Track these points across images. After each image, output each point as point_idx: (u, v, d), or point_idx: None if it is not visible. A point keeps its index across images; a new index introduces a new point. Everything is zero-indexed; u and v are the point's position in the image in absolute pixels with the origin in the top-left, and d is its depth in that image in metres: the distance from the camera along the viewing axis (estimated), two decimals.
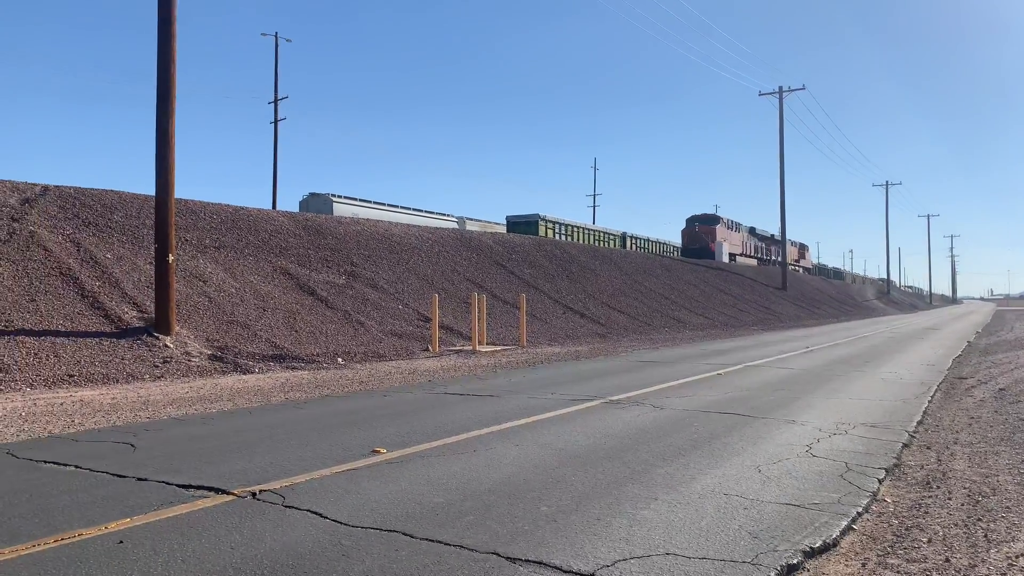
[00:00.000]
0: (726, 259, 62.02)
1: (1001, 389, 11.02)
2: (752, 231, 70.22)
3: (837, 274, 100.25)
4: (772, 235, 74.49)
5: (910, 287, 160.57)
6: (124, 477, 5.62)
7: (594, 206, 78.53)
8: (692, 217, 61.45)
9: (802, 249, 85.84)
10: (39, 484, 5.45)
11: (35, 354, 12.08)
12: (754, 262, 67.42)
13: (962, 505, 5.04)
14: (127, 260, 16.76)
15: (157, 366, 12.84)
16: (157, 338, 13.95)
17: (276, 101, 42.44)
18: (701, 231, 59.29)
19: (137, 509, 4.75)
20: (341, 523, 4.46)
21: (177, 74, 14.59)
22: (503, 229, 42.88)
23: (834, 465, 6.05)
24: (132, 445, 6.86)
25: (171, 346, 13.80)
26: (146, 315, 14.73)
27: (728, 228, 62.49)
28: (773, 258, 73.10)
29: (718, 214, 61.87)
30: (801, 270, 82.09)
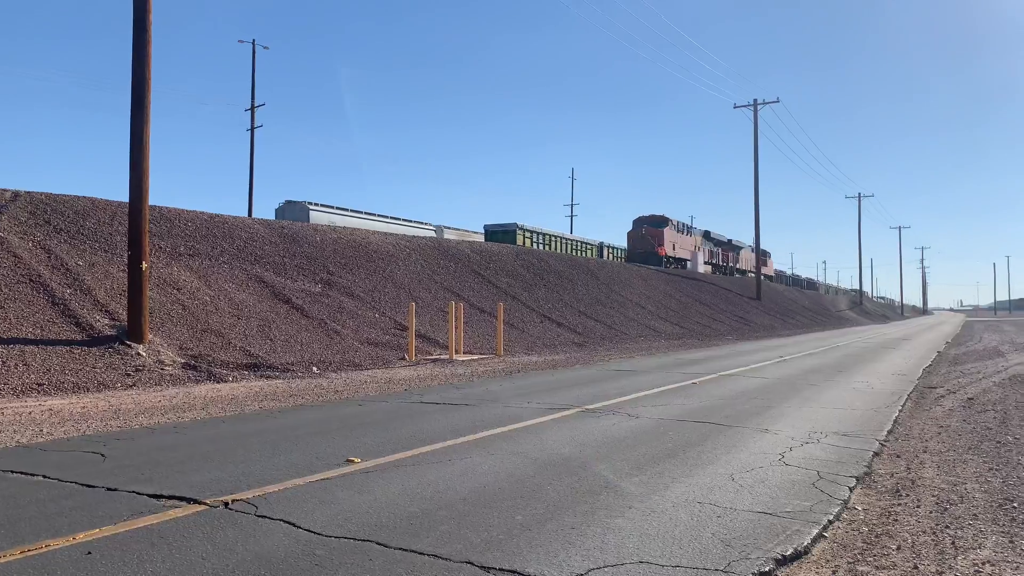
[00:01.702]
0: (702, 269, 61.76)
1: (969, 399, 11.21)
2: (707, 235, 66.34)
3: (810, 284, 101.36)
4: (729, 240, 71.44)
5: (882, 298, 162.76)
6: (93, 487, 5.54)
7: (571, 216, 78.82)
8: (639, 218, 55.99)
9: (763, 256, 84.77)
10: (5, 494, 5.36)
11: (3, 362, 11.88)
12: (708, 268, 63.45)
13: (931, 513, 5.12)
14: (99, 267, 16.55)
15: (129, 375, 12.67)
16: (129, 346, 13.77)
17: (253, 108, 42.23)
18: (648, 234, 54.24)
19: (106, 519, 4.69)
20: (314, 533, 4.43)
21: (152, 80, 14.47)
22: (481, 238, 42.89)
23: (806, 473, 6.11)
24: (102, 455, 6.76)
25: (144, 354, 13.64)
26: (118, 323, 14.55)
27: (678, 231, 57.79)
28: (730, 264, 69.94)
29: (667, 215, 56.01)
30: (762, 277, 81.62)
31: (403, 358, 17.82)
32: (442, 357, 18.60)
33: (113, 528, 4.51)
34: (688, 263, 58.57)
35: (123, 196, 15.52)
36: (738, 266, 72.15)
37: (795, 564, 4.10)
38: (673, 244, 55.65)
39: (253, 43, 41.79)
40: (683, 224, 59.53)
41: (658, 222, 55.04)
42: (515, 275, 32.69)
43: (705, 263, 63.15)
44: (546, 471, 6.10)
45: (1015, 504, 5.27)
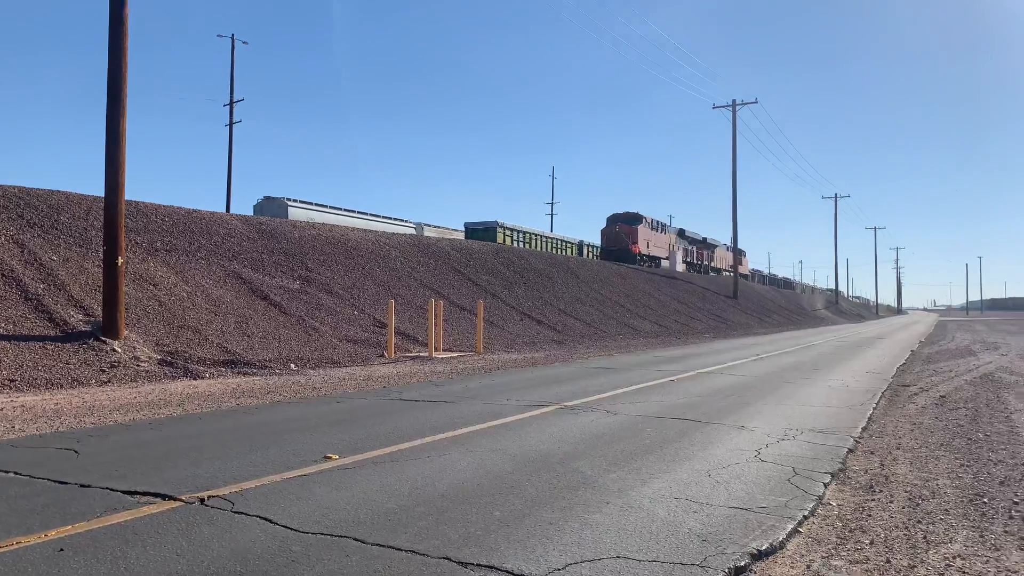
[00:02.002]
0: (680, 268, 62.01)
1: (942, 396, 11.37)
2: (681, 233, 65.32)
3: (787, 284, 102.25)
4: (704, 238, 70.58)
5: (857, 297, 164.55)
6: (66, 484, 5.47)
7: (552, 214, 79.01)
8: (613, 216, 54.66)
9: (738, 254, 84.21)
10: None
11: None
12: (683, 267, 62.72)
13: (903, 508, 5.19)
14: (74, 262, 16.34)
15: (104, 371, 12.53)
16: (105, 342, 13.61)
17: (232, 103, 41.86)
18: (622, 231, 52.97)
19: (79, 516, 4.63)
20: (291, 529, 4.41)
21: (129, 73, 14.30)
22: (461, 236, 42.84)
23: (782, 470, 6.17)
24: (75, 451, 6.68)
25: (119, 351, 13.48)
26: (93, 319, 14.37)
27: (652, 229, 56.37)
28: (705, 263, 69.13)
29: (641, 213, 54.59)
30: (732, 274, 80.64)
31: (382, 355, 17.76)
32: (422, 354, 18.57)
33: (86, 525, 4.46)
34: (663, 261, 57.68)
35: (99, 190, 15.33)
36: (713, 264, 71.76)
37: (770, 559, 4.14)
38: (647, 242, 54.68)
39: (232, 38, 41.44)
40: (657, 222, 58.23)
41: (632, 219, 53.84)
42: (495, 273, 32.69)
43: (680, 261, 62.38)
44: (525, 467, 6.11)
45: (985, 499, 5.35)
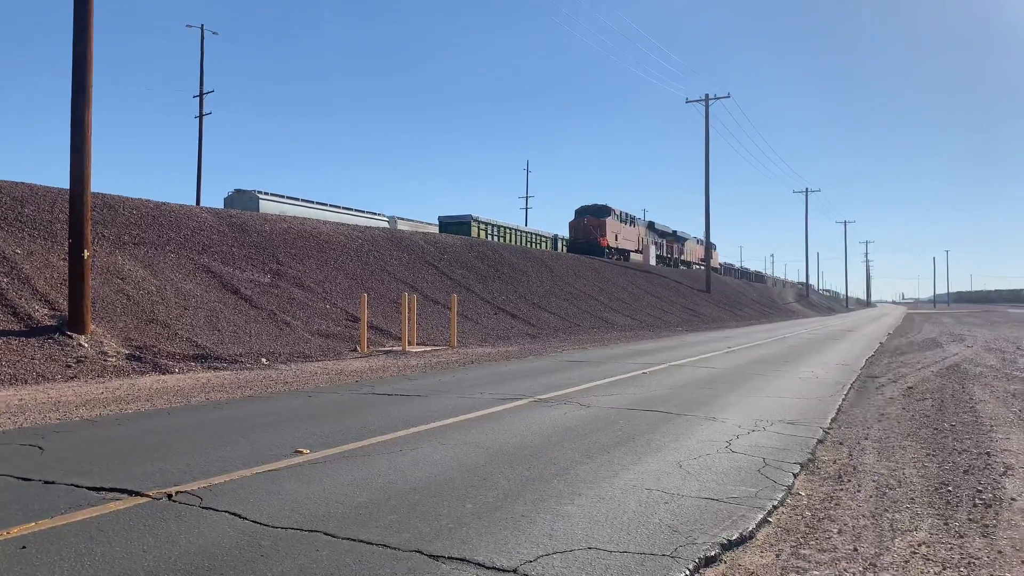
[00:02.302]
0: (653, 261, 62.25)
1: (909, 387, 11.55)
2: (651, 226, 64.56)
3: (759, 277, 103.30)
4: (675, 231, 70.08)
5: (828, 290, 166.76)
6: (30, 480, 5.37)
7: (526, 208, 79.08)
8: (581, 208, 53.54)
9: (709, 247, 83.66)
10: None
11: None
12: (655, 261, 62.36)
13: (871, 497, 5.26)
14: (39, 256, 16.03)
15: (70, 366, 12.32)
16: (71, 337, 13.38)
17: (201, 95, 41.30)
18: (590, 224, 51.79)
19: (43, 513, 4.55)
20: (260, 524, 4.36)
21: (95, 63, 14.03)
22: (435, 229, 42.72)
23: (752, 460, 6.22)
24: (40, 447, 6.56)
25: (85, 345, 13.26)
26: (59, 313, 14.12)
27: (621, 221, 55.21)
28: (675, 256, 68.70)
29: (609, 205, 53.40)
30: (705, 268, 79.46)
31: (355, 349, 17.66)
32: (395, 348, 18.49)
33: (50, 522, 4.38)
34: (632, 254, 56.73)
35: (65, 183, 15.04)
36: (683, 258, 71.50)
37: (740, 548, 4.17)
38: (616, 235, 53.56)
39: (202, 28, 40.87)
40: (627, 214, 56.94)
41: (600, 212, 52.68)
42: (469, 267, 32.63)
43: (653, 255, 61.95)
44: (497, 460, 6.11)
45: (950, 488, 5.45)
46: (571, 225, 53.48)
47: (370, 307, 20.57)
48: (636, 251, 57.79)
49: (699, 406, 9.28)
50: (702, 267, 75.18)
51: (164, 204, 21.99)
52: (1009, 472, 5.90)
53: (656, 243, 63.88)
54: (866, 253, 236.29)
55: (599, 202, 53.46)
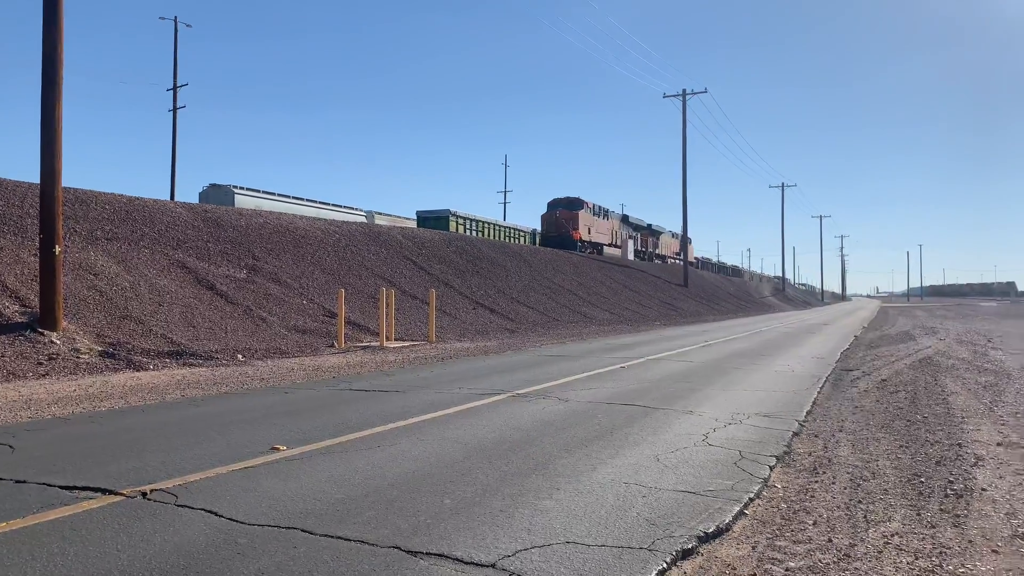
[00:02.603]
0: (630, 256, 62.40)
1: (883, 380, 11.70)
2: (625, 219, 62.92)
3: (736, 272, 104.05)
4: (649, 225, 68.80)
5: (804, 284, 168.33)
6: (0, 479, 5.28)
7: (504, 203, 79.25)
8: (553, 201, 52.25)
9: (685, 242, 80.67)
10: None
11: None
12: (632, 255, 61.09)
13: (845, 489, 5.32)
14: (8, 251, 15.77)
15: (42, 363, 12.13)
16: (42, 334, 13.18)
17: (175, 88, 40.81)
18: (562, 217, 50.67)
19: (14, 513, 4.48)
20: (237, 521, 4.33)
21: (65, 56, 13.81)
22: (413, 224, 42.54)
23: (729, 453, 6.27)
24: (10, 446, 6.46)
25: (57, 342, 13.07)
26: (30, 310, 13.90)
27: (594, 214, 53.83)
28: (650, 250, 67.64)
29: (582, 198, 51.82)
30: (681, 262, 74.93)
31: (332, 345, 17.56)
32: (373, 344, 18.41)
33: (22, 521, 4.31)
34: (606, 248, 55.49)
35: (35, 177, 14.80)
36: (658, 251, 70.59)
37: (717, 541, 4.21)
38: (589, 228, 52.36)
39: (175, 21, 40.35)
40: (600, 207, 55.40)
41: (573, 204, 51.32)
42: (448, 262, 32.56)
43: (631, 249, 61.05)
44: (476, 455, 6.10)
45: (922, 479, 5.52)
46: (543, 218, 52.49)
47: (348, 303, 20.47)
48: (610, 244, 56.73)
49: (677, 400, 9.34)
50: (677, 261, 73.94)
51: (137, 199, 21.71)
52: (980, 463, 5.99)
53: (631, 237, 62.64)
54: (841, 247, 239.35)
55: (573, 195, 52.31)
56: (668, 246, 73.42)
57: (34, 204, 16.61)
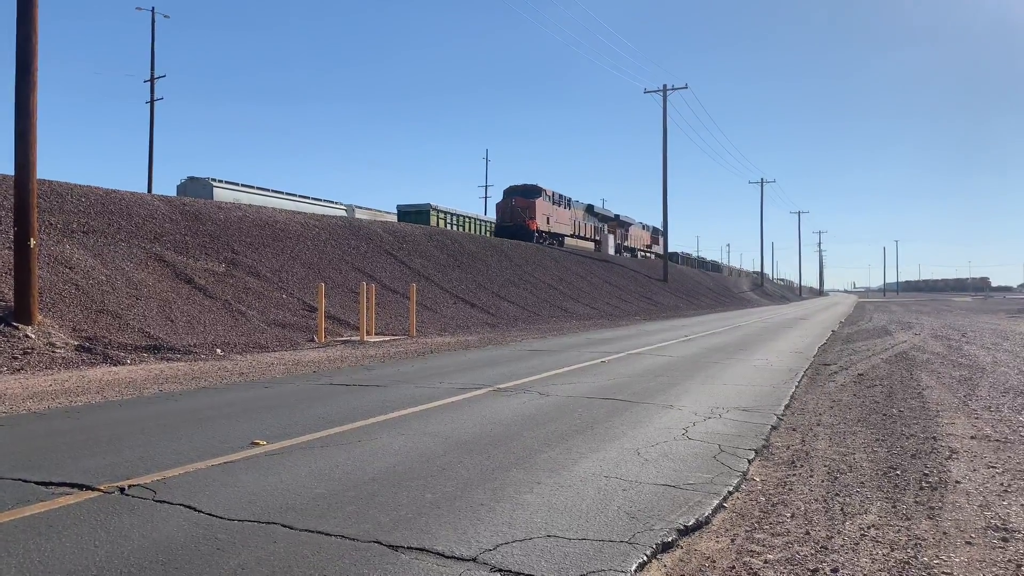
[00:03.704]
0: (612, 251, 62.40)
1: (860, 374, 11.83)
2: (590, 209, 59.23)
3: (715, 267, 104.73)
4: (617, 215, 65.71)
5: (782, 279, 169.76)
6: None
7: (485, 197, 78.95)
8: (509, 188, 48.24)
9: (655, 234, 75.28)
10: None
11: None
12: (591, 245, 57.02)
13: (822, 482, 5.38)
14: None
15: (16, 358, 11.97)
16: (16, 328, 13.00)
17: (152, 80, 40.37)
18: (517, 205, 46.79)
19: None
20: (216, 516, 4.30)
21: (40, 45, 13.60)
22: (394, 218, 42.43)
23: (708, 447, 6.32)
24: None
25: (32, 336, 12.90)
26: (4, 304, 13.70)
27: (554, 203, 50.18)
28: (619, 242, 64.58)
29: (540, 185, 47.97)
30: (653, 256, 72.76)
31: (312, 340, 17.47)
32: (353, 338, 18.34)
33: None
34: (567, 239, 52.24)
35: (8, 169, 14.57)
36: (627, 244, 67.45)
37: (696, 534, 4.24)
38: (548, 217, 48.86)
39: (152, 11, 39.87)
40: (560, 195, 51.62)
41: (529, 192, 47.42)
42: (429, 256, 32.48)
43: (588, 239, 56.60)
44: (456, 450, 6.10)
45: (898, 472, 5.60)
46: (498, 207, 48.50)
47: (328, 297, 20.36)
48: (572, 236, 53.39)
49: (657, 394, 9.39)
50: (648, 254, 72.04)
51: (114, 192, 21.45)
52: (954, 456, 6.08)
53: (596, 227, 59.23)
54: (819, 243, 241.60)
55: (530, 183, 48.41)
56: (639, 238, 70.31)
57: (8, 196, 16.36)
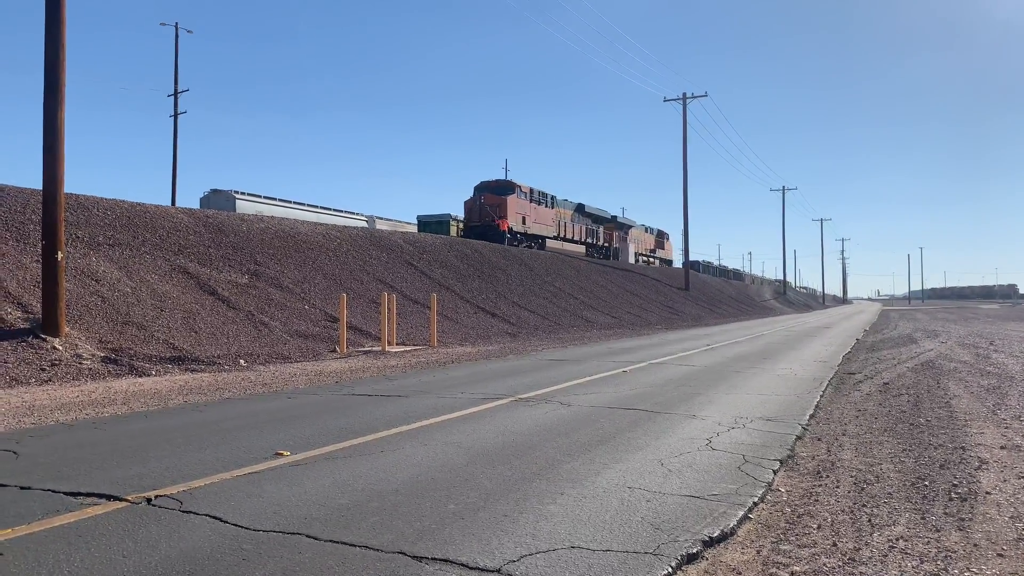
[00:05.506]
0: (631, 259, 61.81)
1: (885, 383, 11.69)
2: (580, 208, 53.16)
3: (737, 275, 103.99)
4: (614, 216, 59.86)
5: (804, 288, 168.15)
6: (5, 486, 5.29)
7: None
8: (480, 184, 42.50)
9: (660, 237, 70.73)
10: None
11: None
12: (581, 249, 51.71)
13: (849, 492, 5.32)
14: (11, 257, 15.79)
15: (44, 369, 12.14)
16: (44, 340, 13.19)
17: (176, 93, 40.91)
18: (487, 203, 41.18)
19: (19, 519, 4.48)
20: (242, 527, 4.33)
21: (68, 62, 13.84)
22: (414, 229, 42.59)
23: (732, 457, 6.27)
24: (15, 452, 6.46)
25: (60, 348, 13.08)
26: (32, 316, 13.91)
27: (532, 201, 44.26)
28: (615, 245, 58.58)
29: (515, 181, 42.89)
30: (657, 262, 68.40)
31: (334, 350, 17.56)
32: (374, 349, 18.41)
33: (27, 528, 4.32)
34: (548, 241, 46.72)
35: (37, 183, 14.83)
36: (616, 245, 60.06)
37: (722, 545, 4.21)
38: (523, 217, 43.03)
39: (176, 26, 40.46)
40: (539, 192, 45.46)
41: (501, 189, 42.00)
42: (449, 266, 32.56)
43: (578, 241, 51.72)
44: (479, 460, 6.10)
45: (926, 482, 5.52)
46: (466, 205, 42.76)
47: (349, 307, 20.47)
48: (556, 237, 47.92)
49: (679, 404, 9.34)
50: (650, 260, 66.92)
51: (139, 204, 21.74)
52: (983, 466, 5.99)
53: (588, 229, 53.46)
54: (842, 250, 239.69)
55: (503, 179, 43.92)
56: (641, 242, 64.37)
57: (36, 210, 16.64)
